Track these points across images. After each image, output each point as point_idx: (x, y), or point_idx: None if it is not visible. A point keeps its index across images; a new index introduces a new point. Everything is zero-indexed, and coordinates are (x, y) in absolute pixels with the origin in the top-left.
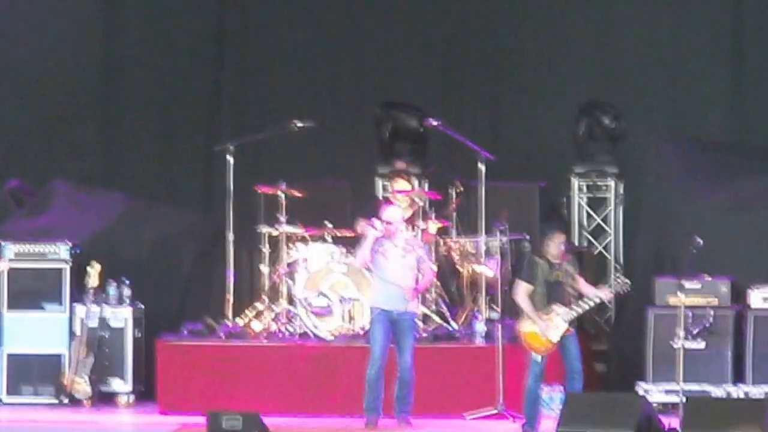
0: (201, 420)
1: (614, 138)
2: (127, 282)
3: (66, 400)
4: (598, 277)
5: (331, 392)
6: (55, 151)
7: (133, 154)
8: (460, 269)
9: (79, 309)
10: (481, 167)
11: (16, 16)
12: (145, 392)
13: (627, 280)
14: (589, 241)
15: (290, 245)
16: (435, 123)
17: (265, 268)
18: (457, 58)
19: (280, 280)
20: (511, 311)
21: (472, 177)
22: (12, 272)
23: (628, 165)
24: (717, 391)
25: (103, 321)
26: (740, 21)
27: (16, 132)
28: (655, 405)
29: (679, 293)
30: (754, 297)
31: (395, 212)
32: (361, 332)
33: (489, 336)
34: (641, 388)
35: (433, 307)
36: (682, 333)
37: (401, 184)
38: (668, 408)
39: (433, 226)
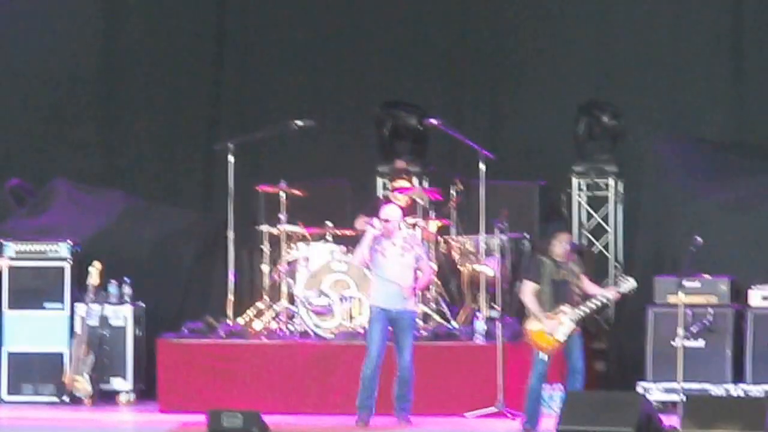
0: (201, 418)
1: (614, 136)
2: (128, 281)
3: (67, 399)
4: (597, 276)
5: (332, 391)
6: (56, 151)
7: (134, 154)
8: (460, 268)
9: (80, 308)
10: (482, 166)
11: (17, 16)
12: (146, 391)
13: (633, 281)
14: (589, 240)
15: (291, 244)
16: (435, 122)
17: (265, 267)
18: (457, 58)
19: (280, 279)
20: (511, 309)
21: (472, 176)
22: (13, 271)
23: (628, 164)
24: (716, 390)
25: (103, 319)
26: (740, 20)
27: (16, 131)
28: (654, 403)
29: (678, 292)
30: (754, 296)
31: (394, 211)
32: (362, 331)
33: (489, 335)
34: (641, 386)
35: (433, 305)
36: (681, 332)
37: (401, 182)
38: (668, 406)
39: (433, 224)
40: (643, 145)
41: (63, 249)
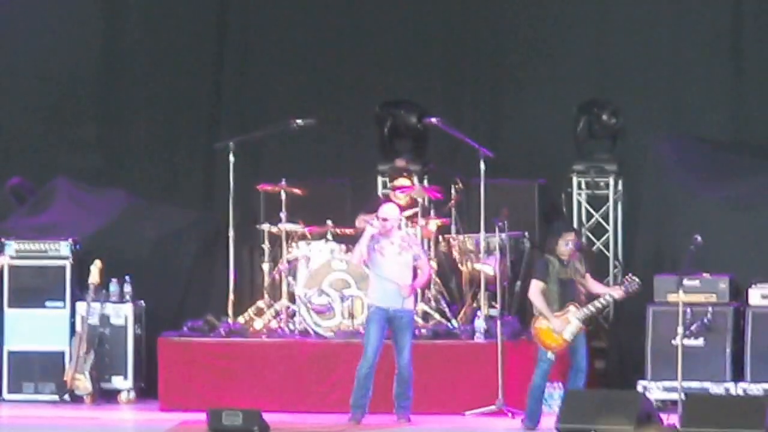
0: (202, 417)
1: (614, 134)
2: (129, 279)
3: (67, 398)
4: (597, 275)
5: (332, 389)
6: (57, 150)
7: (135, 152)
8: (460, 267)
9: (81, 306)
10: (482, 165)
11: (17, 15)
12: (146, 389)
13: (638, 280)
14: (589, 239)
15: (291, 243)
16: (435, 121)
17: (266, 266)
18: (457, 57)
19: (281, 278)
20: (510, 308)
21: (472, 174)
22: (13, 269)
23: (628, 163)
24: (716, 389)
25: (104, 318)
26: (740, 19)
27: (17, 130)
28: (654, 402)
29: (678, 291)
30: (753, 294)
31: (392, 210)
32: (362, 329)
33: (489, 333)
34: (641, 385)
35: (433, 304)
36: (681, 330)
37: (401, 181)
38: (667, 405)
39: (433, 223)
40: (642, 144)
41: (64, 248)
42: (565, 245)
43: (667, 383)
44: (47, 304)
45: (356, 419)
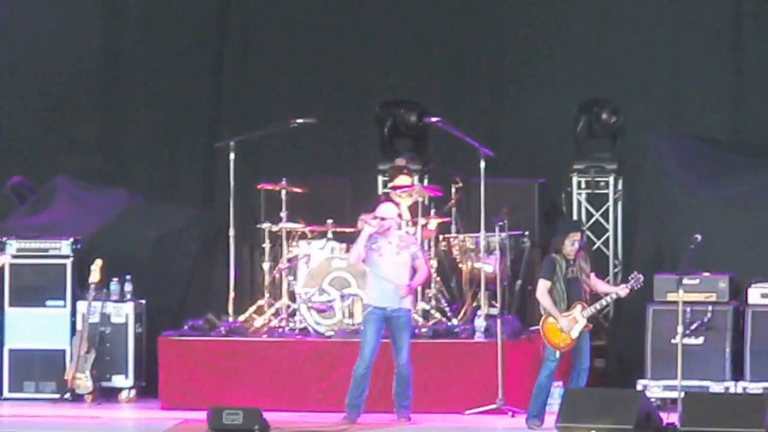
0: (202, 415)
1: (613, 132)
2: (129, 278)
3: (68, 396)
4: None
5: (332, 388)
6: (57, 148)
7: (135, 151)
8: (460, 266)
9: (81, 305)
10: (482, 164)
11: (18, 15)
12: (147, 388)
13: (641, 277)
14: (589, 238)
15: (291, 242)
16: (435, 120)
17: (266, 265)
18: (457, 56)
19: (281, 277)
20: (510, 307)
21: (472, 174)
22: (14, 268)
23: (628, 162)
24: (716, 387)
25: (105, 317)
26: (740, 18)
27: (18, 129)
28: (654, 401)
29: (678, 290)
30: (753, 293)
31: (390, 209)
32: (362, 328)
33: (489, 332)
34: (640, 384)
35: (433, 303)
36: (681, 329)
37: (402, 180)
38: (667, 404)
39: (434, 222)
40: (643, 143)
41: (64, 246)
42: (571, 245)
43: (667, 382)
44: (48, 303)
45: (351, 419)
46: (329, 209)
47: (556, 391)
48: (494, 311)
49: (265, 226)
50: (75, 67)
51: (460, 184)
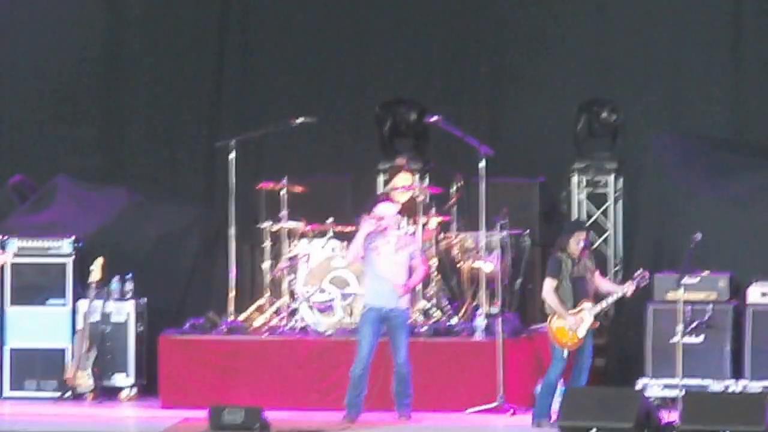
0: (203, 414)
1: (613, 130)
2: (130, 277)
3: (69, 395)
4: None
5: (332, 386)
6: (58, 147)
7: (136, 151)
8: (461, 264)
9: (82, 304)
10: (482, 163)
11: (18, 15)
12: (148, 386)
13: (647, 273)
14: None
15: (292, 241)
16: (435, 119)
17: (266, 264)
18: (457, 55)
19: (281, 276)
20: (510, 306)
21: (472, 173)
22: (15, 267)
23: (628, 161)
24: (715, 386)
25: (105, 316)
26: (740, 18)
27: (18, 128)
28: (654, 399)
29: (678, 288)
30: (753, 292)
31: (388, 208)
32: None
33: (489, 331)
34: (640, 382)
35: (434, 301)
36: (681, 328)
37: (402, 179)
38: (667, 402)
39: (434, 221)
40: (642, 143)
41: (65, 245)
42: (576, 244)
43: (667, 381)
44: (49, 301)
45: (351, 418)
46: (329, 208)
47: (558, 389)
48: (494, 310)
49: (266, 225)
50: (75, 66)
51: (461, 183)
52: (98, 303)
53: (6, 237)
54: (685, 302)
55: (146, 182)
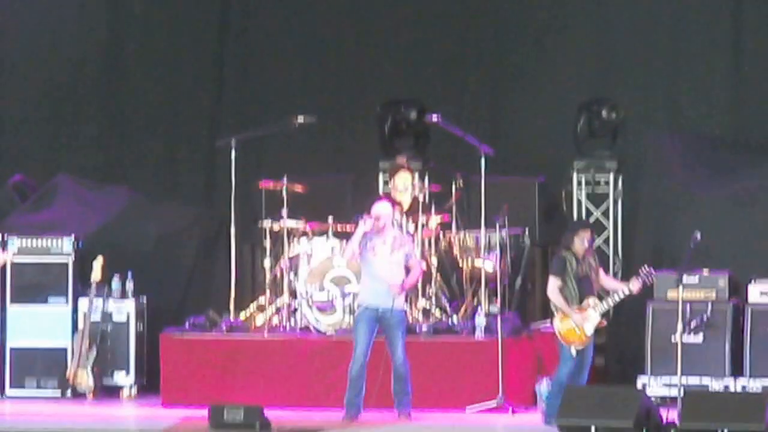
0: (203, 413)
1: (613, 129)
2: (131, 275)
3: (69, 394)
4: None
5: (332, 385)
6: (59, 147)
7: (137, 150)
8: (461, 263)
9: (83, 302)
10: (482, 162)
11: (19, 15)
12: (148, 385)
13: (652, 270)
14: None
15: (292, 239)
16: (435, 118)
17: (267, 263)
18: (458, 55)
19: (282, 275)
20: (510, 305)
21: (472, 172)
22: (16, 266)
23: (628, 160)
24: (715, 385)
25: (106, 314)
26: (740, 17)
27: (19, 128)
28: (653, 398)
29: (678, 287)
30: (752, 291)
31: (384, 207)
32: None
33: (489, 330)
34: (640, 381)
35: (434, 300)
36: (680, 327)
37: (402, 178)
38: (667, 401)
39: (434, 220)
40: (642, 142)
41: (66, 244)
42: (581, 243)
43: (667, 379)
44: (49, 300)
45: (350, 417)
46: (330, 207)
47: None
48: (494, 309)
49: (266, 223)
50: (76, 66)
51: (461, 182)
52: (99, 302)
53: (7, 236)
54: (685, 301)
55: (146, 181)
